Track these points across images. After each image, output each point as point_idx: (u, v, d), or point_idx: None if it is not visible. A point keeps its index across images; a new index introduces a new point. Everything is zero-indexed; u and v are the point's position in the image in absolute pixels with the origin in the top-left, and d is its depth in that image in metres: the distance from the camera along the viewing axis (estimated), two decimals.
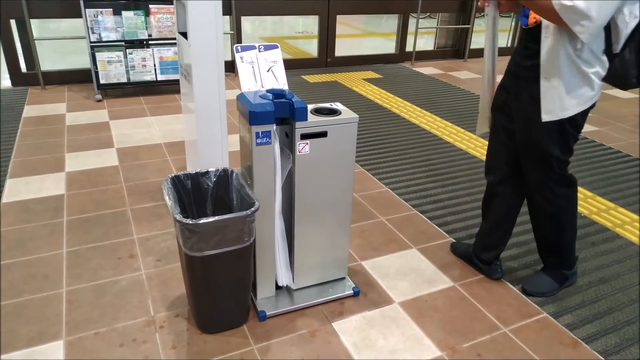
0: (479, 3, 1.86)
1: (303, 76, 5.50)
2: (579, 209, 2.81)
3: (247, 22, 9.30)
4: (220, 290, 1.73)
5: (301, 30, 9.22)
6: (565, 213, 1.99)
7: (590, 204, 2.87)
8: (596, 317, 1.98)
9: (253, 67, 1.76)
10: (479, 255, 2.21)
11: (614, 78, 1.75)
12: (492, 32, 1.88)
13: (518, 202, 2.12)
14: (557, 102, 1.74)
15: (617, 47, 1.68)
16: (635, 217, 2.75)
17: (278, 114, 1.66)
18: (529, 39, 1.78)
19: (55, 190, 2.80)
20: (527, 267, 2.27)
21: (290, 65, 5.87)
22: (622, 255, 2.40)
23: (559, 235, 2.04)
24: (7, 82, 4.60)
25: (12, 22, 4.48)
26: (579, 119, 1.79)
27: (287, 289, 2.01)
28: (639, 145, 3.84)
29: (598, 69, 1.70)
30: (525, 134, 1.87)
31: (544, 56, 1.70)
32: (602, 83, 1.75)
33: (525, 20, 1.76)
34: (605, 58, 1.69)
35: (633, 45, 1.68)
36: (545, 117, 1.77)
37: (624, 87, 1.80)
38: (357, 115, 1.80)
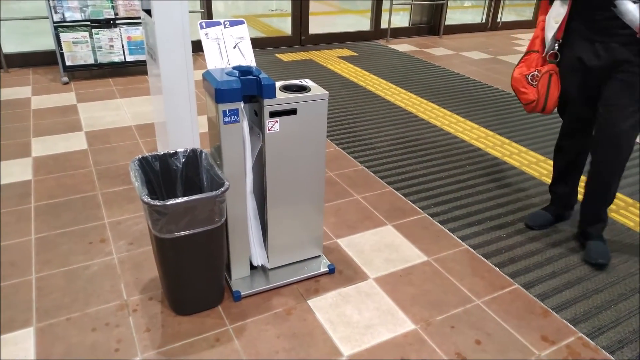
0: None
1: (277, 55, 5.41)
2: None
3: (219, 1, 9.08)
4: (193, 271, 1.71)
5: (275, 9, 9.05)
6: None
7: None
8: (566, 287, 2.03)
9: (219, 43, 1.71)
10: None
11: None
12: None
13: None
14: None
15: None
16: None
17: (245, 92, 1.62)
18: None
19: (21, 176, 2.71)
20: (499, 240, 2.31)
21: (264, 43, 5.77)
22: None
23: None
24: None
25: None
26: None
27: (262, 268, 2.01)
28: None
29: None
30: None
31: None
32: None
33: None
34: None
35: None
36: None
37: None
38: (327, 92, 1.78)
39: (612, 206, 2.65)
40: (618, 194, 2.74)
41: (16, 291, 1.89)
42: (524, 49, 6.21)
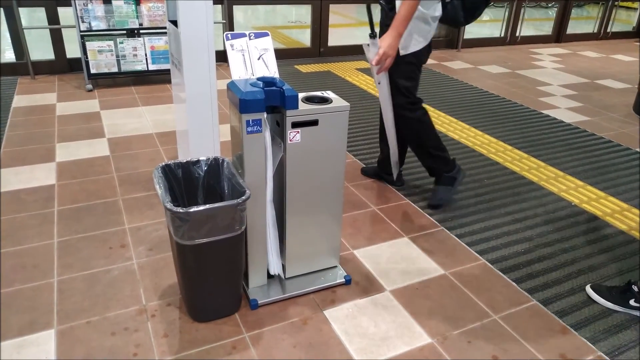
0: (376, 73, 2.33)
1: (296, 66, 5.47)
2: (571, 197, 2.83)
3: (239, 12, 9.22)
4: (212, 278, 1.73)
5: (294, 20, 9.16)
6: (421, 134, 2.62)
7: (580, 193, 2.89)
8: (585, 305, 2.00)
9: (243, 55, 1.75)
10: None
11: (448, 19, 2.37)
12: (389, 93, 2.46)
13: None
14: (408, 39, 2.33)
15: None
16: (625, 205, 2.78)
17: (269, 102, 1.65)
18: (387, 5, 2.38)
19: (45, 181, 2.78)
20: (517, 255, 2.29)
21: (283, 55, 5.84)
22: (611, 244, 2.42)
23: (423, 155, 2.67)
24: None
25: (0, 11, 4.42)
26: (425, 53, 2.44)
27: (279, 277, 2.02)
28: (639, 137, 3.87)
29: (434, 11, 2.31)
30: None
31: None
32: (437, 22, 2.36)
33: None
34: (439, 4, 2.31)
35: None
36: (402, 52, 2.34)
37: (456, 26, 2.51)
38: (348, 104, 1.80)
39: (607, 209, 2.66)
40: (614, 200, 2.72)
41: (38, 293, 1.93)
42: (542, 63, 6.20)
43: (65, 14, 4.52)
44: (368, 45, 2.26)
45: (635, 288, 1.96)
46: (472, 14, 2.37)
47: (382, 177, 2.92)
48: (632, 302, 1.96)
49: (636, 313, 1.95)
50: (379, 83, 2.40)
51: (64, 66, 4.73)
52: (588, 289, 2.06)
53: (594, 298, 2.02)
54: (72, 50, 4.72)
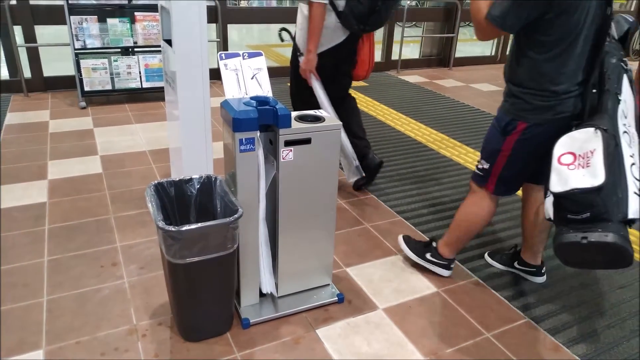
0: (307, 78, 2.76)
1: (289, 84, 5.50)
2: None
3: (233, 30, 9.31)
4: (204, 297, 1.72)
5: (288, 39, 9.25)
6: None
7: None
8: (577, 322, 2.01)
9: (237, 74, 1.76)
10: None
11: (347, 26, 2.60)
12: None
13: None
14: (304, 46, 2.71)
15: (340, 6, 2.56)
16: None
17: (262, 121, 1.66)
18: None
19: (37, 198, 2.76)
20: (510, 272, 2.30)
21: (277, 73, 5.87)
22: None
23: None
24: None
25: None
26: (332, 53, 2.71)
27: (271, 296, 2.01)
28: None
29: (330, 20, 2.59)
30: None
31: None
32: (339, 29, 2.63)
33: None
34: (333, 13, 2.56)
35: (347, 3, 2.53)
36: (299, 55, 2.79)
37: (357, 33, 2.66)
38: (341, 122, 1.82)
39: None
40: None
41: (27, 313, 1.91)
42: None
43: (59, 31, 4.54)
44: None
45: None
46: (365, 22, 2.57)
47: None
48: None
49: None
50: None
51: (39, 85, 4.72)
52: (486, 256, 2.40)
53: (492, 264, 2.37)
54: (50, 69, 4.75)
